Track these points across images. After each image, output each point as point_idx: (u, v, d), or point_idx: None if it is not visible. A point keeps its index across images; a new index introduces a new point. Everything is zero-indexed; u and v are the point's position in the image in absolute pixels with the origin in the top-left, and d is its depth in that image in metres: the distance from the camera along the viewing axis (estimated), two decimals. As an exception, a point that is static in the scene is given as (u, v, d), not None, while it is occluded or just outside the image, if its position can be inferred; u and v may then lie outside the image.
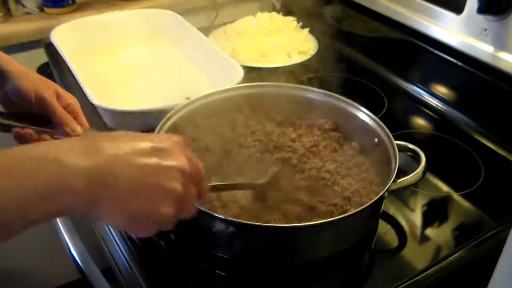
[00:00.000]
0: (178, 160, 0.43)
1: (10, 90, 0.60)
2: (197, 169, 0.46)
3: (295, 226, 0.59)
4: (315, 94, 0.78)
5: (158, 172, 0.41)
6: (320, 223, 0.56)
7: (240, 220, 0.57)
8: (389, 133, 0.68)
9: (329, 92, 0.77)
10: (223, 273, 0.61)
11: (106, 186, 0.38)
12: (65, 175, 0.36)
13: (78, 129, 0.60)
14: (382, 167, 0.67)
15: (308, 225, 0.58)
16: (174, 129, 0.69)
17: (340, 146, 0.76)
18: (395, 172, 0.61)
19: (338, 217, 0.57)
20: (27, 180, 0.35)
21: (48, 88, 0.60)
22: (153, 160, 0.41)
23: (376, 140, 0.70)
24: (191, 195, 0.45)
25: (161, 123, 0.67)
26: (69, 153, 0.37)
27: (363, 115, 0.73)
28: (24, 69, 0.61)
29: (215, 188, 0.61)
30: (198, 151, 0.70)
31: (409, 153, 0.69)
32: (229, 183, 0.63)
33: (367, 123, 0.72)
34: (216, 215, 0.57)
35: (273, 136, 0.76)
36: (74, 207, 0.38)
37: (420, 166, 0.65)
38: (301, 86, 0.79)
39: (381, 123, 0.70)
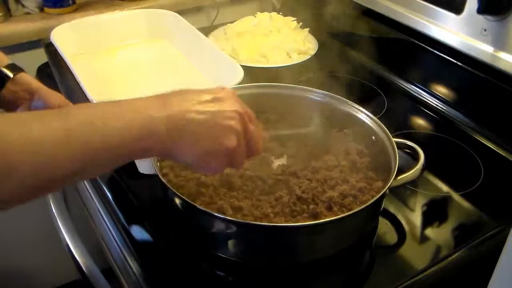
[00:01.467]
0: (233, 105, 0.52)
1: (36, 104, 0.68)
2: (248, 111, 0.54)
3: (297, 225, 0.59)
4: (313, 94, 0.78)
5: (219, 115, 0.50)
6: (323, 222, 0.56)
7: (239, 220, 0.57)
8: (387, 131, 0.68)
9: (326, 93, 0.77)
10: (223, 274, 0.61)
11: (180, 130, 0.48)
12: (150, 123, 0.47)
13: None
14: (381, 165, 0.67)
15: (310, 224, 0.58)
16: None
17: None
18: (396, 169, 0.61)
19: (341, 215, 0.57)
20: (128, 123, 0.46)
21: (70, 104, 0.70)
22: (214, 107, 0.51)
23: (373, 137, 0.70)
24: (248, 130, 0.53)
25: None
26: (152, 107, 0.48)
27: (361, 114, 0.73)
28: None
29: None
30: None
31: (407, 150, 0.69)
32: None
33: (365, 122, 0.72)
34: (215, 214, 0.57)
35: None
36: (157, 146, 0.48)
37: (419, 163, 0.65)
38: (297, 86, 0.79)
39: (378, 121, 0.70)
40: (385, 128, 0.69)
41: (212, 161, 0.52)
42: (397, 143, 0.66)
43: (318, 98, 0.78)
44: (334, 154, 0.73)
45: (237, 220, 0.58)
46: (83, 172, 0.46)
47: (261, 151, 0.57)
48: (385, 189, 0.59)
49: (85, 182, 0.75)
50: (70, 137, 0.43)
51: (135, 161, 0.71)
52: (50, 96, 0.69)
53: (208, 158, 0.51)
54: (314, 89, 0.78)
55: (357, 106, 0.74)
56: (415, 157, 0.67)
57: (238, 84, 0.82)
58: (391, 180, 0.60)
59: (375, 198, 0.59)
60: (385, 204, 0.70)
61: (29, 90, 0.70)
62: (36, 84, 0.71)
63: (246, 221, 0.58)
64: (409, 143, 0.69)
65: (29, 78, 0.71)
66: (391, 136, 0.67)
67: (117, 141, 0.45)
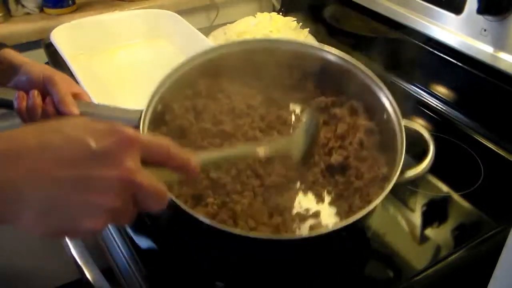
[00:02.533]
0: (118, 166, 0.36)
1: (19, 78, 0.65)
2: (143, 181, 0.37)
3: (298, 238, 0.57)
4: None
5: (84, 187, 0.35)
6: (324, 234, 0.55)
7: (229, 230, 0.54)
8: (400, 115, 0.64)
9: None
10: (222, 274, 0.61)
11: (20, 203, 0.35)
12: None
13: (75, 112, 0.62)
14: (387, 154, 0.64)
15: (314, 236, 0.56)
16: (163, 106, 0.67)
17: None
18: (400, 165, 0.58)
19: (346, 222, 0.54)
20: None
21: (58, 73, 0.65)
22: (82, 172, 0.35)
23: (385, 116, 0.67)
24: (129, 205, 0.38)
25: (148, 101, 0.64)
26: None
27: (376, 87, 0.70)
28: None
29: (206, 164, 0.52)
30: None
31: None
32: (221, 153, 0.58)
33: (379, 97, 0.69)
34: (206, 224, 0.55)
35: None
36: None
37: (428, 157, 0.62)
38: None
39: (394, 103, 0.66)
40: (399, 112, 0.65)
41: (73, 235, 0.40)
42: (406, 128, 0.62)
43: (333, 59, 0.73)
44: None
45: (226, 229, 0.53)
46: None
47: (162, 206, 0.39)
48: (389, 187, 0.56)
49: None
50: None
51: None
52: (34, 70, 0.65)
53: (58, 235, 0.37)
54: (329, 48, 0.73)
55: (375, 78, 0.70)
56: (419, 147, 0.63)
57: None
58: (394, 178, 0.56)
59: (379, 199, 0.55)
60: (385, 204, 0.70)
61: (13, 66, 0.67)
62: (20, 59, 0.68)
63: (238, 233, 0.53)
64: (420, 129, 0.64)
65: (12, 53, 0.69)
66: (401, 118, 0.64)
67: None
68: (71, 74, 0.85)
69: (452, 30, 0.89)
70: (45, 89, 0.64)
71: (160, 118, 0.67)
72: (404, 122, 0.64)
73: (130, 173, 0.36)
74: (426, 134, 0.64)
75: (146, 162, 0.38)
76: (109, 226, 0.67)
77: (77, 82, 0.81)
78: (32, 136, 0.36)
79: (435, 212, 0.71)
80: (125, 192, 0.36)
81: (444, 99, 0.94)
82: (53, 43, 0.95)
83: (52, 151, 0.35)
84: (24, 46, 1.11)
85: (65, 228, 0.36)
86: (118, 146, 0.36)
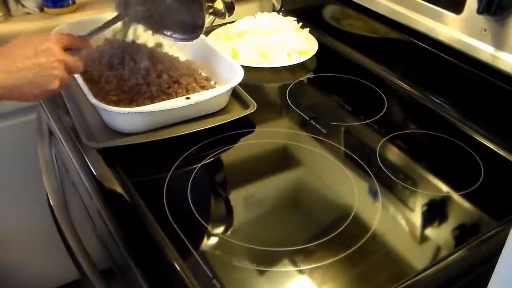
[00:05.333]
0: (55, 55, 0.65)
1: None
2: (67, 59, 0.67)
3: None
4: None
5: (43, 69, 0.63)
6: None
7: None
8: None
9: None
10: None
11: (8, 89, 0.62)
12: None
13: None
14: None
15: None
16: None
17: None
18: None
19: None
20: None
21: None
22: (38, 60, 0.63)
23: None
24: (63, 70, 0.66)
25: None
26: None
27: None
28: None
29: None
30: None
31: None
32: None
33: None
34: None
35: None
36: None
37: None
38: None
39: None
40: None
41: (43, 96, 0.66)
42: None
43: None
44: None
45: None
46: None
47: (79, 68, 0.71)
48: None
49: (85, 181, 0.75)
50: None
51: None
52: None
53: (39, 96, 0.66)
54: None
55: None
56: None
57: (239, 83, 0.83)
58: None
59: None
60: (385, 204, 0.71)
61: None
62: None
63: None
64: None
65: None
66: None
67: None
68: (71, 74, 0.85)
69: (452, 30, 0.89)
70: None
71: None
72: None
73: (59, 56, 0.66)
74: None
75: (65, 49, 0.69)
76: (109, 226, 0.68)
77: (77, 82, 0.81)
78: (5, 50, 0.66)
79: (435, 212, 0.71)
80: (60, 64, 0.65)
81: (444, 99, 0.94)
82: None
83: (14, 54, 0.64)
84: (24, 46, 1.11)
85: (41, 93, 0.65)
86: (49, 44, 0.65)
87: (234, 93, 0.88)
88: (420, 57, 0.99)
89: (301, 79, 1.02)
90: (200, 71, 0.93)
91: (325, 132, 0.85)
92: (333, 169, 0.78)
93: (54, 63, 0.64)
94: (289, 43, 1.07)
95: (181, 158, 0.77)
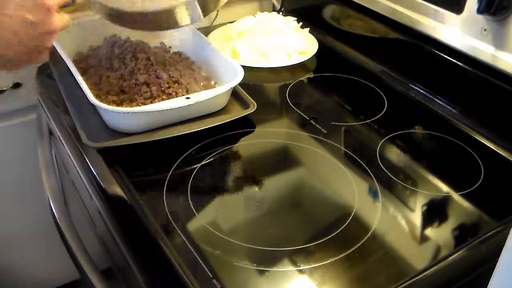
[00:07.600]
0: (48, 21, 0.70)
1: None
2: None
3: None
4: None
5: (34, 27, 0.67)
6: None
7: None
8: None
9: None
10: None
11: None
12: None
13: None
14: None
15: None
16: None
17: None
18: None
19: None
20: None
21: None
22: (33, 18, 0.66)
23: None
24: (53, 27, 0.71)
25: None
26: None
27: None
28: None
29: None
30: None
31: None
32: None
33: None
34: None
35: None
36: None
37: None
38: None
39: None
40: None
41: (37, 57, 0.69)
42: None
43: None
44: None
45: None
46: None
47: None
48: None
49: (85, 181, 0.75)
50: None
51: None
52: None
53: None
54: None
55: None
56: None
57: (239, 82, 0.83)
58: None
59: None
60: (385, 204, 0.70)
61: None
62: None
63: None
64: None
65: None
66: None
67: None
68: (71, 74, 0.85)
69: (452, 30, 0.89)
70: None
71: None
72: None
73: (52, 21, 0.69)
74: None
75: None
76: (109, 226, 0.68)
77: (77, 81, 0.81)
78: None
79: (435, 212, 0.71)
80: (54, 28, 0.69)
81: (444, 99, 0.94)
82: (53, 42, 0.94)
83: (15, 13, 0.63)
84: (24, 46, 1.10)
85: (38, 48, 0.69)
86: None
87: (234, 93, 0.88)
88: (420, 57, 0.99)
89: (301, 79, 1.02)
90: (200, 71, 0.93)
91: (325, 132, 0.85)
92: (333, 169, 0.78)
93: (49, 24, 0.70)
94: (289, 43, 1.07)
95: (181, 158, 0.77)
